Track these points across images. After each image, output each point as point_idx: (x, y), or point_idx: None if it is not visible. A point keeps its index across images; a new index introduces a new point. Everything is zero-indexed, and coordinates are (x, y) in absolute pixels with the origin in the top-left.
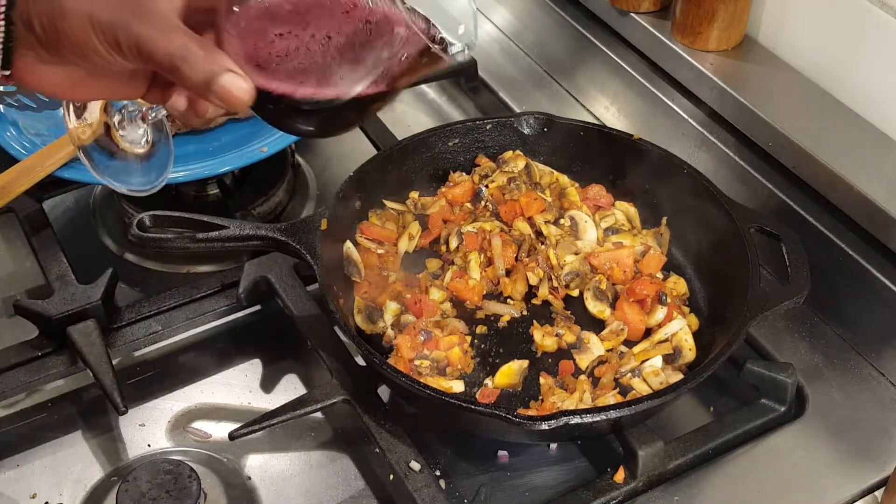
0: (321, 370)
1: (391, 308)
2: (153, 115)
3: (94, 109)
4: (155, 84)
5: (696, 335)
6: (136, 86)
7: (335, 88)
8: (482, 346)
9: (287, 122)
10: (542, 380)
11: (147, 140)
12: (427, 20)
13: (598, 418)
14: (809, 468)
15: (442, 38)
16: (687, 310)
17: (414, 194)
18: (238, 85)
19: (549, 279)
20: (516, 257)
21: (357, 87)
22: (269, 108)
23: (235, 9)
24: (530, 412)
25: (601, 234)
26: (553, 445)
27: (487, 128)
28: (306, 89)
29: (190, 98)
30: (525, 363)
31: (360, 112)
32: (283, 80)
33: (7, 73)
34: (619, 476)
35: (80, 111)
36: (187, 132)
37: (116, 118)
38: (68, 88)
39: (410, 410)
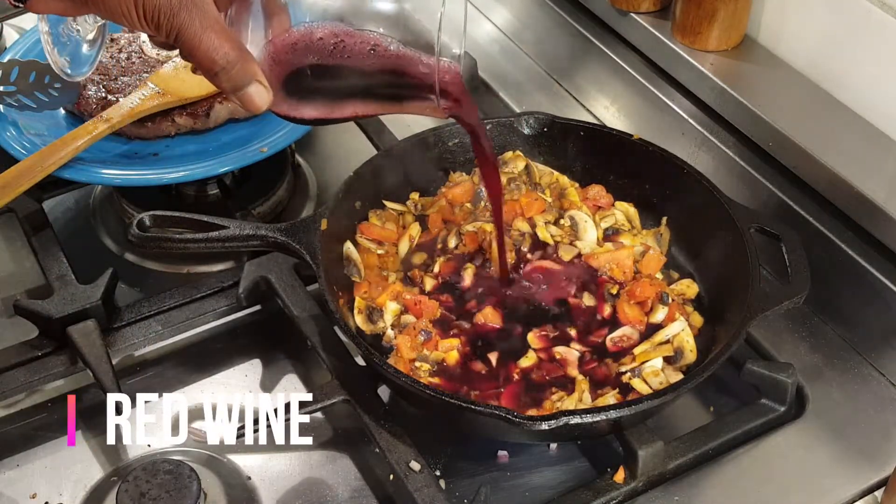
0: (321, 370)
1: (391, 308)
2: None
3: None
4: None
5: (697, 335)
6: None
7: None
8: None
9: (294, 121)
10: None
11: (93, 32)
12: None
13: (598, 418)
14: (809, 468)
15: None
16: (691, 310)
17: (414, 194)
18: (262, 96)
19: None
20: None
21: (372, 109)
22: (282, 114)
23: (273, 41)
24: (530, 412)
25: (601, 235)
26: (553, 445)
27: (487, 128)
28: (331, 114)
29: None
30: None
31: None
32: (312, 107)
33: (21, 5)
34: (619, 476)
35: None
36: (187, 132)
37: None
38: (68, 10)
39: (410, 410)
